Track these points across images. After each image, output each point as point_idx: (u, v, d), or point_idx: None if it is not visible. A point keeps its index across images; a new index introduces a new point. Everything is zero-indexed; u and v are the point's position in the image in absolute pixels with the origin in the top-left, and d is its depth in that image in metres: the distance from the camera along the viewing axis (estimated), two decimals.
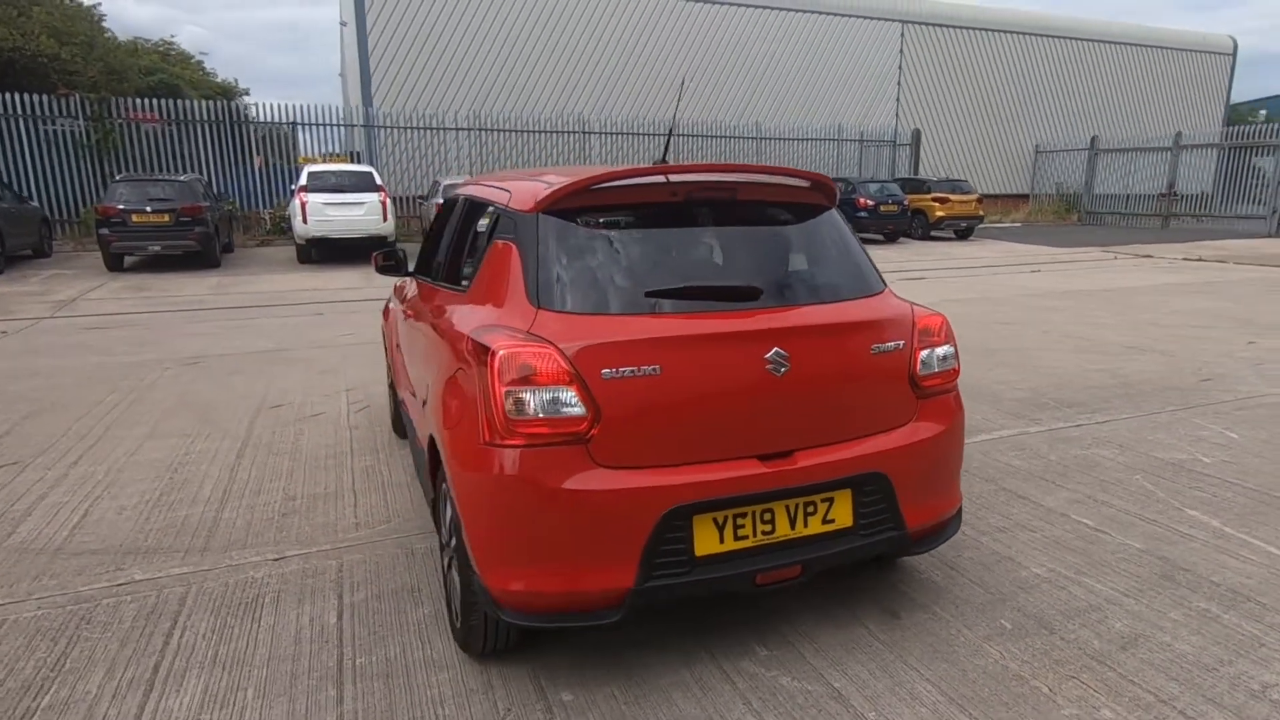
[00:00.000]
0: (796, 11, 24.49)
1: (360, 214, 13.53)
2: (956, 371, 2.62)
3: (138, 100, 17.40)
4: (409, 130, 19.77)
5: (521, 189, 2.54)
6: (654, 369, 2.12)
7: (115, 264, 12.55)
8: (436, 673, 2.38)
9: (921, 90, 26.79)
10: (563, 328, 2.16)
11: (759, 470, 2.21)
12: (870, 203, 17.85)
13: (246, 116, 18.54)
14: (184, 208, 12.45)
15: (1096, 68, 29.59)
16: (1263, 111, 39.17)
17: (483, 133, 20.25)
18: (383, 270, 3.97)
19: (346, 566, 3.04)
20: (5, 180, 15.09)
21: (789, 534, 2.27)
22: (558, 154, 21.10)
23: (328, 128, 19.27)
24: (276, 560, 3.09)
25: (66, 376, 5.97)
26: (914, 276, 12.29)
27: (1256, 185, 21.73)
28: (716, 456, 2.20)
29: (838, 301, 2.46)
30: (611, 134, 21.40)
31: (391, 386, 4.58)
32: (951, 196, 19.20)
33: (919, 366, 2.50)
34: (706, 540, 2.18)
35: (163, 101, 17.45)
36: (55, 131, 16.35)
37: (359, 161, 18.95)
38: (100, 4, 23.99)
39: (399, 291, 4.16)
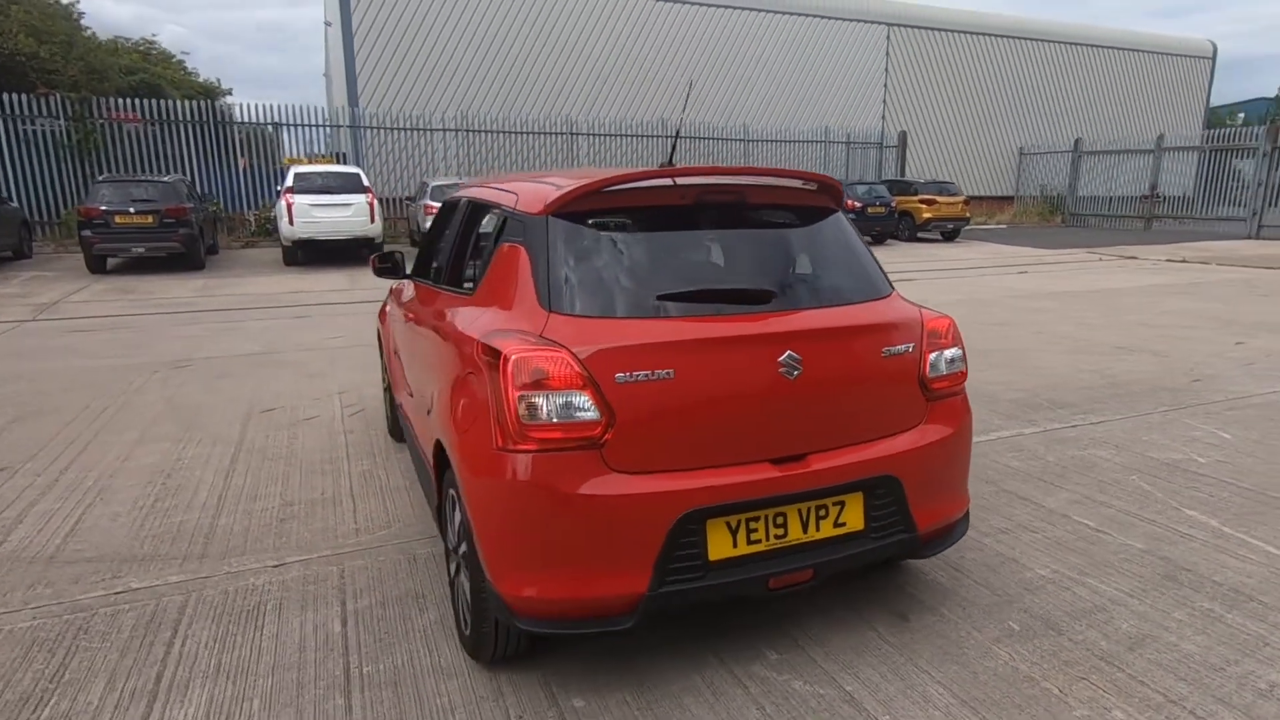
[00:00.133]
0: (783, 14, 24.58)
1: (347, 215, 13.42)
2: (964, 374, 2.62)
3: (119, 100, 17.18)
4: (395, 131, 19.65)
5: (529, 191, 2.52)
6: (668, 373, 2.10)
7: (98, 266, 12.38)
8: (445, 680, 2.35)
9: (908, 92, 26.96)
10: (575, 331, 2.14)
11: (772, 474, 2.20)
12: (858, 204, 17.92)
13: (230, 117, 18.35)
14: (168, 209, 12.30)
15: (1080, 71, 29.90)
16: (1241, 114, 39.75)
17: (470, 134, 20.16)
18: (380, 273, 3.93)
19: (348, 573, 3.00)
20: None
21: (801, 537, 2.27)
22: (546, 155, 21.05)
23: (313, 128, 19.12)
24: (277, 567, 3.05)
25: (51, 381, 5.87)
26: (902, 278, 12.35)
27: (1236, 188, 22.04)
28: (730, 460, 2.19)
29: (848, 304, 2.46)
30: (600, 135, 21.38)
31: (388, 390, 4.54)
32: (938, 198, 19.33)
33: (928, 369, 2.50)
34: (720, 544, 2.16)
35: (144, 101, 17.23)
36: (35, 131, 16.11)
37: (345, 163, 18.81)
38: (79, 2, 23.64)
39: (396, 295, 4.12)
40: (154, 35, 49.20)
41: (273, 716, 2.19)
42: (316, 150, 19.38)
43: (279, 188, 14.31)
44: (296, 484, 3.90)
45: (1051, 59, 29.34)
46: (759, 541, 2.21)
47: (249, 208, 18.47)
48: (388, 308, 4.36)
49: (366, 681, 2.34)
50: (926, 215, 19.24)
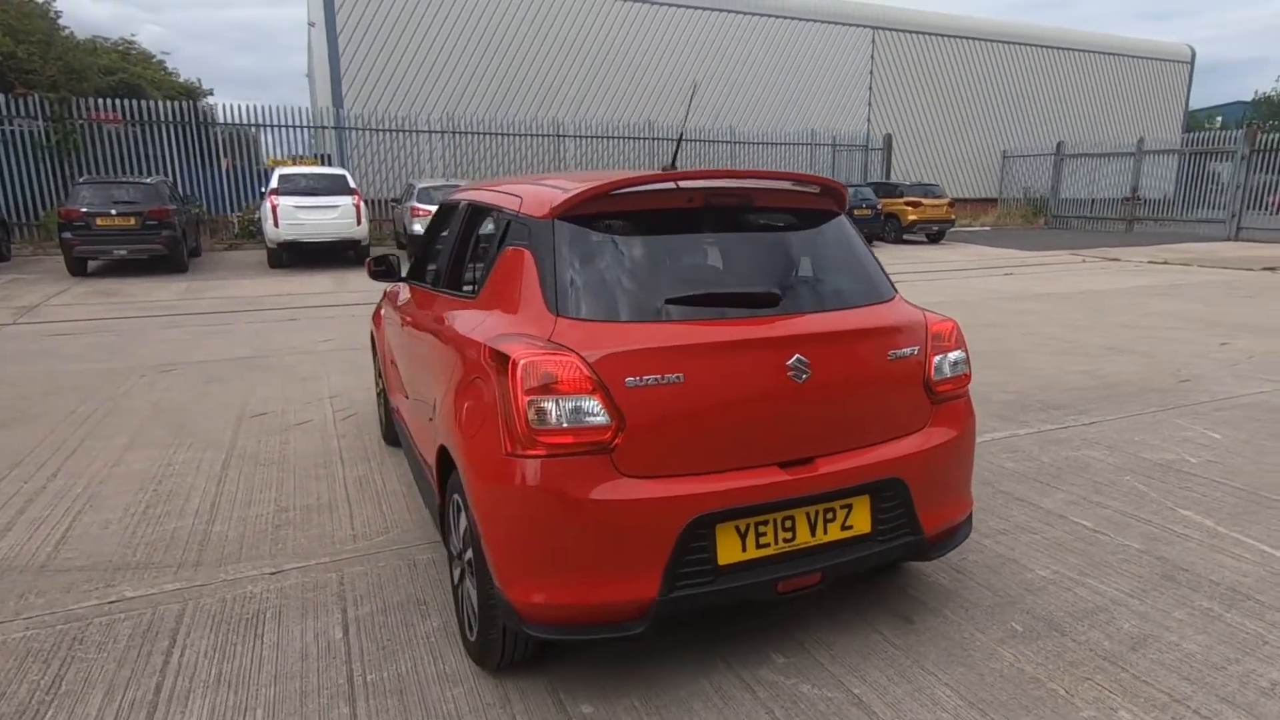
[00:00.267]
0: (769, 16, 24.68)
1: (333, 217, 13.31)
2: (968, 377, 2.63)
3: (99, 100, 16.96)
4: (381, 133, 19.53)
5: (533, 194, 2.51)
6: (678, 377, 2.09)
7: (79, 268, 12.22)
8: (451, 687, 2.33)
9: (893, 95, 27.15)
10: (584, 335, 2.12)
11: (780, 478, 2.20)
12: None
13: (212, 118, 18.16)
14: (150, 211, 12.16)
15: (1062, 74, 30.25)
16: (1219, 118, 40.36)
17: (457, 135, 20.08)
18: (375, 276, 3.90)
19: (348, 579, 2.96)
20: None
21: (809, 541, 2.26)
22: (533, 157, 21.00)
23: (297, 129, 18.96)
24: (274, 574, 3.01)
25: (35, 385, 5.78)
26: None
27: (1214, 190, 22.38)
28: (739, 464, 2.18)
29: (854, 307, 2.46)
30: (587, 138, 21.35)
31: (381, 394, 4.50)
32: (924, 200, 19.47)
33: (933, 372, 2.50)
34: (729, 549, 2.16)
35: (124, 102, 17.03)
36: (12, 132, 15.87)
37: (329, 164, 18.67)
38: (55, 0, 23.30)
39: (391, 298, 4.08)
40: (133, 35, 48.54)
41: None
42: (299, 151, 19.22)
43: (263, 189, 14.16)
44: (291, 489, 3.86)
45: (1034, 63, 29.66)
46: (768, 545, 2.21)
47: (232, 209, 18.28)
48: (383, 311, 4.32)
49: (371, 690, 2.31)
50: (912, 218, 19.38)
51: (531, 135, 20.83)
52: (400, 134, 19.67)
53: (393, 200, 18.62)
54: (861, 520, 2.33)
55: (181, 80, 35.95)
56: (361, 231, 13.58)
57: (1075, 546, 3.22)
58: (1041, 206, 26.75)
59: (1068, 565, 3.06)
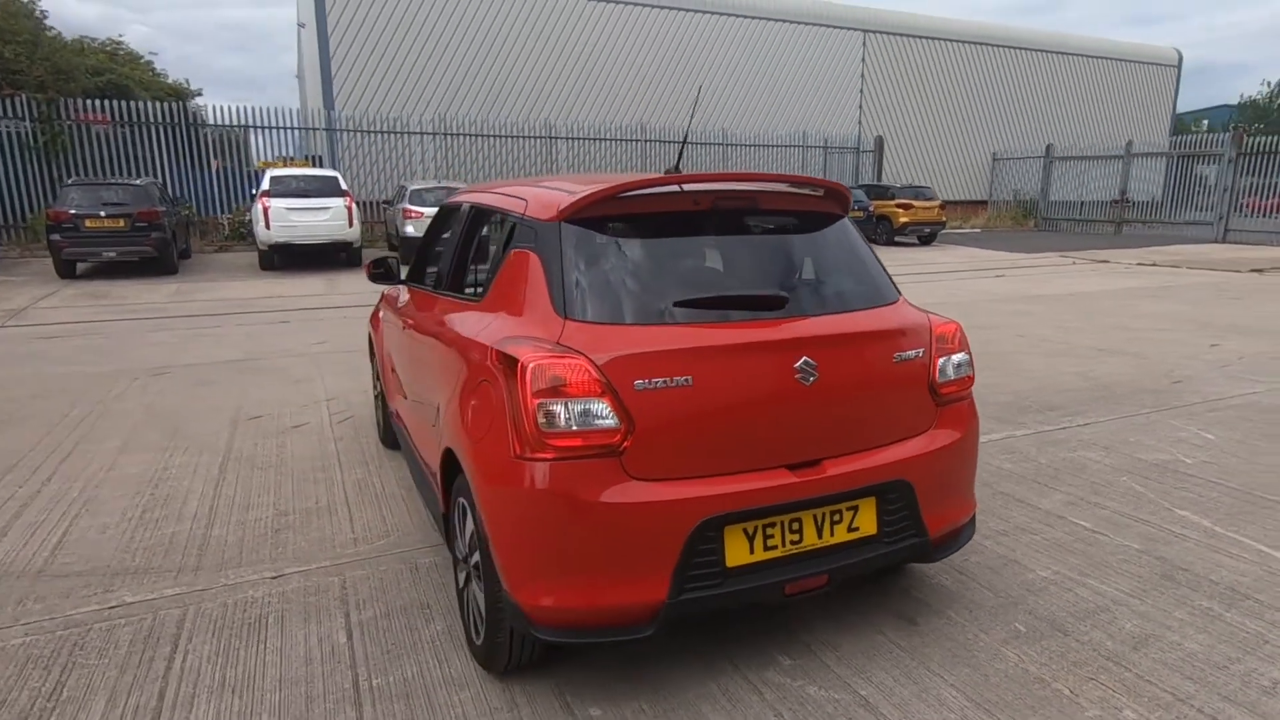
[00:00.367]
0: (761, 19, 24.76)
1: (325, 219, 13.25)
2: (971, 379, 2.65)
3: (86, 101, 16.82)
4: (372, 134, 19.46)
5: (538, 197, 2.50)
6: (686, 380, 2.09)
7: (67, 271, 12.12)
8: (458, 691, 2.32)
9: (884, 98, 27.28)
10: (592, 338, 2.12)
11: (788, 480, 2.20)
12: None
13: (201, 119, 18.04)
14: (140, 212, 12.07)
15: (1051, 78, 30.48)
16: (1205, 121, 40.75)
17: (448, 137, 20.03)
18: (374, 278, 3.88)
19: (350, 583, 2.95)
20: None
21: (816, 543, 2.27)
22: (525, 159, 20.98)
23: (288, 131, 18.87)
24: (275, 578, 2.99)
25: (25, 388, 5.72)
26: None
27: (1202, 193, 22.57)
28: (746, 467, 2.18)
29: (859, 310, 2.47)
30: (579, 139, 21.35)
31: (379, 397, 4.49)
32: (915, 203, 19.56)
33: (937, 374, 2.52)
34: (737, 551, 2.16)
35: (113, 102, 16.90)
36: None
37: (320, 166, 18.58)
38: (41, 0, 23.08)
39: (390, 301, 4.07)
40: (120, 35, 48.23)
41: None
42: (289, 153, 19.12)
43: (254, 191, 14.08)
44: (289, 493, 3.83)
45: (1024, 66, 29.88)
46: (775, 548, 2.21)
47: (222, 211, 18.18)
48: (381, 314, 4.30)
49: (377, 694, 2.30)
50: (903, 220, 19.46)
51: (523, 137, 20.81)
52: (391, 135, 19.61)
53: (384, 202, 18.55)
54: (867, 522, 2.34)
55: (170, 81, 35.69)
56: (353, 233, 13.52)
57: (1075, 547, 3.24)
58: (1031, 209, 26.93)
59: (1068, 566, 3.08)
